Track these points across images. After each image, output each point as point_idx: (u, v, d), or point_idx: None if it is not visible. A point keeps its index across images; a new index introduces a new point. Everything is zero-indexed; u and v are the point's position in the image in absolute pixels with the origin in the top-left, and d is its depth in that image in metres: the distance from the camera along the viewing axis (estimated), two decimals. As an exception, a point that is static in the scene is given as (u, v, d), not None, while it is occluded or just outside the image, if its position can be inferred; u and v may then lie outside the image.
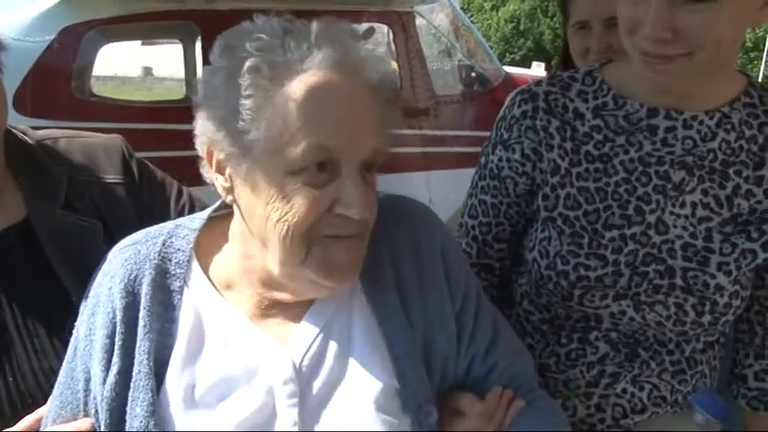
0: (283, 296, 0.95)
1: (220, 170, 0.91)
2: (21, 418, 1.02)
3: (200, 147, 0.92)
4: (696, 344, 1.20)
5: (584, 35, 1.86)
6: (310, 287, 0.93)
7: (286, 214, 0.85)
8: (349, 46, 0.86)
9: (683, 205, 1.12)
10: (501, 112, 1.26)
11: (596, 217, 1.15)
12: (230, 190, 0.91)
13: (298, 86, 0.83)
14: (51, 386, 1.00)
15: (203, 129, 0.90)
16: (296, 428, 0.88)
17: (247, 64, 0.83)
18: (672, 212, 1.13)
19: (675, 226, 1.13)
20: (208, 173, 0.94)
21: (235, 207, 0.94)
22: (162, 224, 1.02)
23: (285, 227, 0.85)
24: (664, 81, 1.07)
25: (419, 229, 1.01)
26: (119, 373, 0.90)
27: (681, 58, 1.01)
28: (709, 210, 1.12)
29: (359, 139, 0.85)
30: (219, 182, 0.92)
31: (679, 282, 1.12)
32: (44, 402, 1.01)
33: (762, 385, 1.25)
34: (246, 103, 0.84)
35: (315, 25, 0.87)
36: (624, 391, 1.20)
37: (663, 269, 1.13)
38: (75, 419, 0.95)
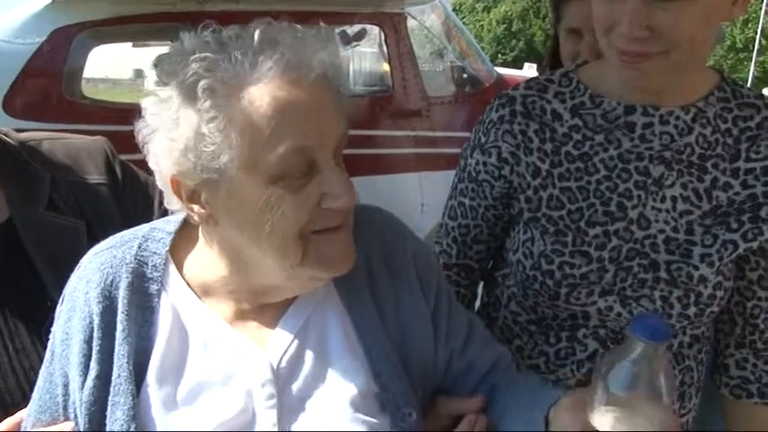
0: (272, 298, 0.95)
1: (193, 199, 0.89)
2: (1, 419, 1.02)
3: (162, 180, 0.90)
4: (683, 337, 1.21)
5: (575, 41, 1.89)
6: (310, 282, 0.94)
7: (278, 222, 0.85)
8: (293, 44, 0.86)
9: (663, 200, 1.14)
10: (481, 116, 1.27)
11: (579, 215, 1.16)
12: (208, 216, 0.90)
13: (256, 97, 0.82)
14: (31, 386, 0.99)
15: (162, 162, 0.88)
16: (275, 429, 0.89)
17: (201, 86, 0.82)
18: (653, 207, 1.14)
19: (657, 220, 1.14)
20: (175, 204, 0.92)
21: (212, 229, 0.92)
22: (136, 228, 1.01)
23: (280, 235, 0.85)
24: (641, 78, 1.08)
25: (390, 238, 1.02)
26: (97, 377, 0.90)
27: (657, 55, 1.03)
28: (690, 203, 1.14)
29: (326, 130, 0.86)
30: (196, 210, 0.90)
31: (663, 275, 1.13)
32: (24, 403, 1.00)
33: (743, 373, 1.27)
34: (211, 126, 0.82)
35: (256, 31, 0.85)
36: None
37: (647, 263, 1.14)
38: (55, 423, 0.95)
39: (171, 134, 0.85)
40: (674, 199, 1.14)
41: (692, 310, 1.14)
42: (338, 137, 0.87)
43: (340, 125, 0.88)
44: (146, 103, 0.88)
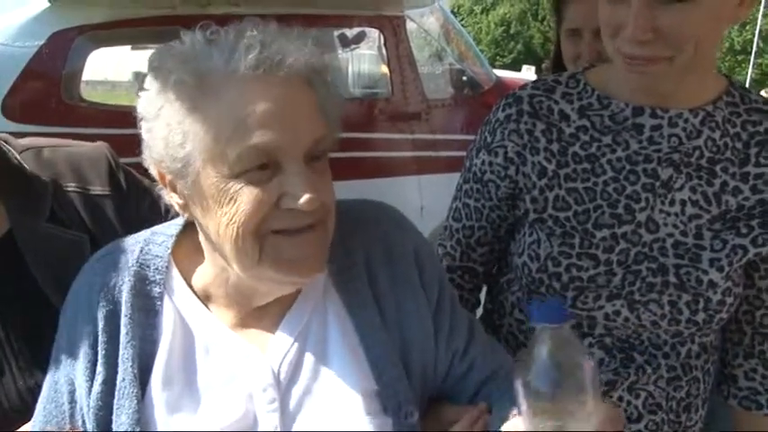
0: (258, 301, 0.95)
1: (174, 188, 0.91)
2: None
3: (153, 171, 0.93)
4: (691, 345, 1.20)
5: (576, 42, 1.90)
6: (277, 286, 0.93)
7: (233, 216, 0.85)
8: (270, 42, 0.86)
9: (672, 203, 1.13)
10: (487, 116, 1.27)
11: (586, 217, 1.15)
12: (184, 206, 0.92)
13: (226, 92, 0.83)
14: (36, 403, 0.98)
15: (149, 149, 0.90)
16: None
17: (172, 79, 0.84)
18: (661, 210, 1.13)
19: (666, 224, 1.13)
20: (166, 195, 0.94)
21: (195, 222, 0.94)
22: (138, 233, 1.01)
23: (234, 229, 0.85)
24: (647, 82, 1.08)
25: (391, 233, 1.01)
26: (104, 382, 0.90)
27: (662, 60, 1.03)
28: (699, 207, 1.13)
29: (296, 132, 0.85)
30: (174, 200, 0.92)
31: (672, 279, 1.12)
32: (28, 420, 0.99)
33: (752, 384, 1.26)
34: (177, 117, 0.84)
35: (233, 29, 0.86)
36: (620, 399, 1.20)
37: (655, 267, 1.13)
38: None
39: (150, 124, 0.88)
40: (682, 202, 1.13)
41: (700, 316, 1.13)
42: (311, 139, 0.86)
43: (316, 127, 0.87)
44: (139, 102, 0.90)
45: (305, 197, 0.84)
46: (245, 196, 0.84)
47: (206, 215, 0.88)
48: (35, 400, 1.00)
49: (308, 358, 0.93)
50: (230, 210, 0.85)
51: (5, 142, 1.20)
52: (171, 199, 0.93)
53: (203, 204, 0.88)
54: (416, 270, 1.00)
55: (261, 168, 0.84)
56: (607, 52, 1.11)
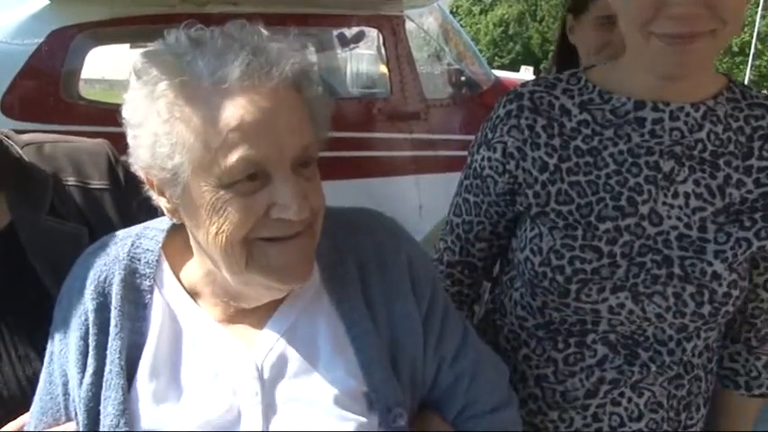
0: (246, 304, 0.96)
1: (162, 193, 0.91)
2: (3, 426, 1.01)
3: (140, 175, 0.93)
4: (697, 341, 1.20)
5: (608, 29, 1.86)
6: (266, 291, 0.93)
7: (222, 225, 0.85)
8: (257, 48, 0.85)
9: (675, 195, 1.14)
10: (489, 114, 1.27)
11: (589, 210, 1.15)
12: (174, 211, 0.92)
13: (213, 104, 0.82)
14: (35, 393, 0.99)
15: (136, 156, 0.89)
16: (260, 428, 0.90)
17: (159, 88, 0.83)
18: (665, 203, 1.14)
19: (669, 217, 1.14)
20: (155, 198, 0.94)
21: (185, 226, 0.94)
22: (131, 227, 1.02)
23: (223, 238, 0.85)
24: (683, 65, 1.06)
25: (385, 240, 1.02)
26: (94, 373, 0.91)
27: (705, 35, 1.02)
28: (702, 200, 1.13)
29: (283, 141, 0.84)
30: (163, 204, 0.92)
31: (677, 270, 1.12)
32: (27, 410, 1.00)
33: (734, 366, 1.31)
34: (165, 127, 0.83)
35: (219, 33, 0.85)
36: (621, 395, 1.20)
37: (660, 259, 1.13)
38: (57, 424, 0.95)
39: (135, 131, 0.88)
40: (686, 195, 1.13)
41: (706, 309, 1.13)
42: (299, 147, 0.85)
43: (304, 135, 0.86)
44: (125, 101, 0.89)
45: (294, 208, 0.84)
46: (235, 207, 0.84)
47: (195, 223, 0.89)
48: (34, 390, 1.00)
49: (295, 356, 0.94)
50: (219, 220, 0.85)
51: (7, 137, 1.21)
52: (159, 203, 0.93)
53: (192, 213, 0.88)
54: (408, 277, 1.01)
55: (250, 179, 0.84)
56: (629, 42, 1.09)
